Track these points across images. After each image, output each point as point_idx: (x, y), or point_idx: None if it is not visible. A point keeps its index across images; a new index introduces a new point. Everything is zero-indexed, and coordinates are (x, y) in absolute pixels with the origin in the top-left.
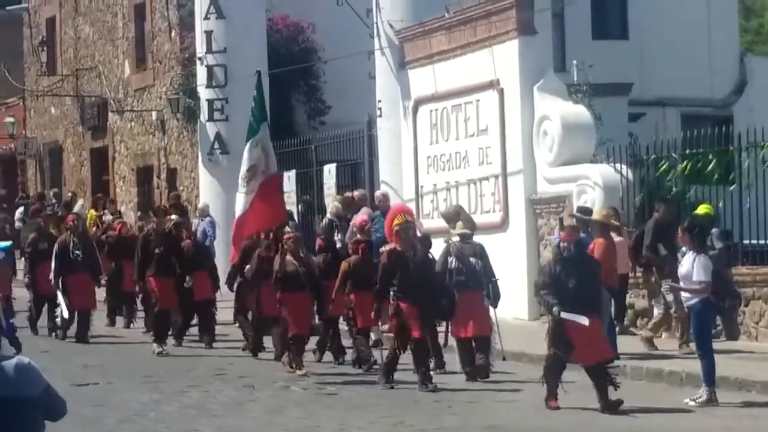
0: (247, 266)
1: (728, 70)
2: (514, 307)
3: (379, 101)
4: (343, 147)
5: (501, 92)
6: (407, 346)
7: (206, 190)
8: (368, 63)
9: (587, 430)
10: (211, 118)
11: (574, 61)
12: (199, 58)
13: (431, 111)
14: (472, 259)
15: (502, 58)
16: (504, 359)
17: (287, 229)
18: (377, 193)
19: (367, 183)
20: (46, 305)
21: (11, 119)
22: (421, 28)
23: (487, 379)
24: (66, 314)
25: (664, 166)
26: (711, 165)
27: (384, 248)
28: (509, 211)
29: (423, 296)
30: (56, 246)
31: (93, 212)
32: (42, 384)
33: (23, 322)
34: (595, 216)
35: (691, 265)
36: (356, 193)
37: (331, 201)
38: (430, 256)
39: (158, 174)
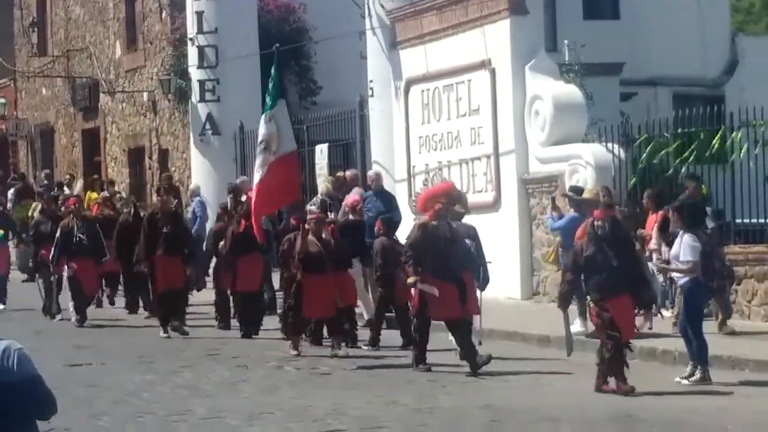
0: (221, 243)
1: (719, 49)
2: (507, 287)
3: (371, 81)
4: (334, 127)
5: (492, 72)
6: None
7: (198, 171)
8: (360, 43)
9: (583, 410)
10: (202, 99)
11: (566, 41)
12: (190, 39)
13: (423, 91)
14: (467, 241)
15: (494, 38)
16: (480, 343)
17: (311, 209)
18: (369, 173)
19: (359, 163)
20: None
21: (2, 100)
22: (413, 8)
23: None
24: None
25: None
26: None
27: (417, 221)
28: (501, 191)
29: (445, 274)
30: (59, 230)
31: (93, 194)
32: (28, 372)
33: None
34: (586, 195)
35: (679, 245)
36: (348, 173)
37: (323, 181)
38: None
39: (150, 155)
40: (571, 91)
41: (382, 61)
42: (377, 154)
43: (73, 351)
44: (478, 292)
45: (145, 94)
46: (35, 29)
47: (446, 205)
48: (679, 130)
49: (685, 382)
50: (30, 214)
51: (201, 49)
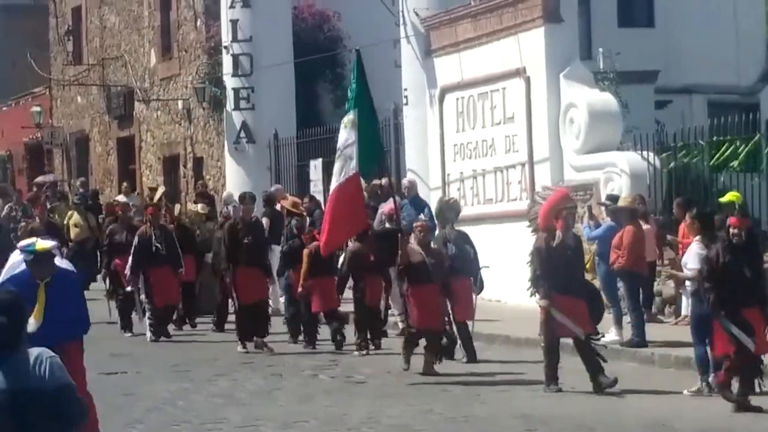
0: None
1: (755, 57)
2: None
3: (406, 89)
4: None
5: (527, 80)
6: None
7: (232, 179)
8: (394, 51)
9: (617, 417)
10: (237, 107)
11: (600, 49)
12: (225, 47)
13: (457, 99)
14: (467, 247)
15: (529, 46)
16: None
17: (420, 217)
18: (404, 181)
19: (393, 171)
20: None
21: (38, 108)
22: (447, 15)
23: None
24: (140, 317)
25: (691, 154)
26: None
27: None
28: (536, 200)
29: (573, 288)
30: (136, 239)
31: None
32: (60, 380)
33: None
34: (621, 203)
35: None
36: (384, 181)
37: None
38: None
39: (184, 163)
40: (606, 99)
41: (416, 69)
42: (412, 162)
43: (108, 359)
44: (474, 297)
45: (179, 103)
46: (70, 38)
47: (571, 209)
48: (714, 138)
49: (686, 393)
50: (66, 222)
51: (236, 58)
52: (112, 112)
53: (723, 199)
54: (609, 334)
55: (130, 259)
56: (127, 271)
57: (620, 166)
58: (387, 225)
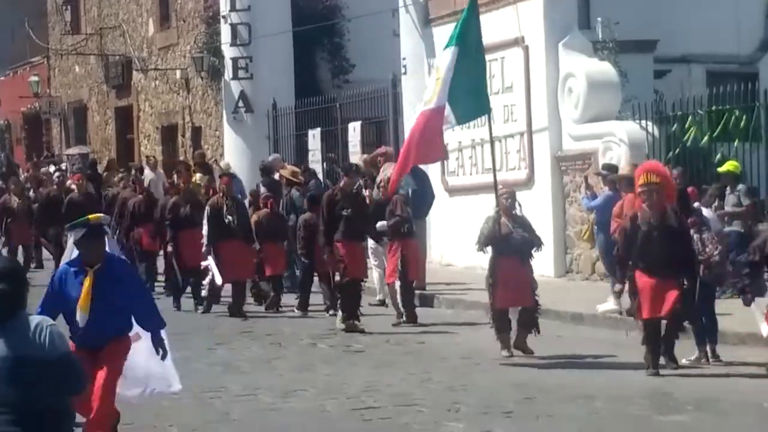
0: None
1: (754, 26)
2: (540, 265)
3: (404, 59)
4: (367, 105)
5: (526, 49)
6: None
7: (231, 149)
8: (392, 21)
9: (617, 386)
10: (235, 77)
11: (599, 18)
12: (223, 17)
13: None
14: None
15: (527, 16)
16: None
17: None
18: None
19: (392, 140)
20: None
21: (35, 78)
22: None
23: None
24: (219, 281)
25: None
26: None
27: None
28: (534, 169)
29: (665, 270)
30: (207, 209)
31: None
32: (60, 349)
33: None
34: (622, 172)
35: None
36: (380, 150)
37: (358, 159)
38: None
39: (183, 133)
40: (604, 68)
41: (415, 39)
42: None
43: None
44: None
45: (178, 72)
46: (68, 7)
47: (646, 188)
48: (713, 108)
49: (684, 361)
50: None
51: (234, 27)
52: (110, 81)
53: (721, 169)
54: (607, 302)
55: (205, 230)
56: (204, 242)
57: (619, 136)
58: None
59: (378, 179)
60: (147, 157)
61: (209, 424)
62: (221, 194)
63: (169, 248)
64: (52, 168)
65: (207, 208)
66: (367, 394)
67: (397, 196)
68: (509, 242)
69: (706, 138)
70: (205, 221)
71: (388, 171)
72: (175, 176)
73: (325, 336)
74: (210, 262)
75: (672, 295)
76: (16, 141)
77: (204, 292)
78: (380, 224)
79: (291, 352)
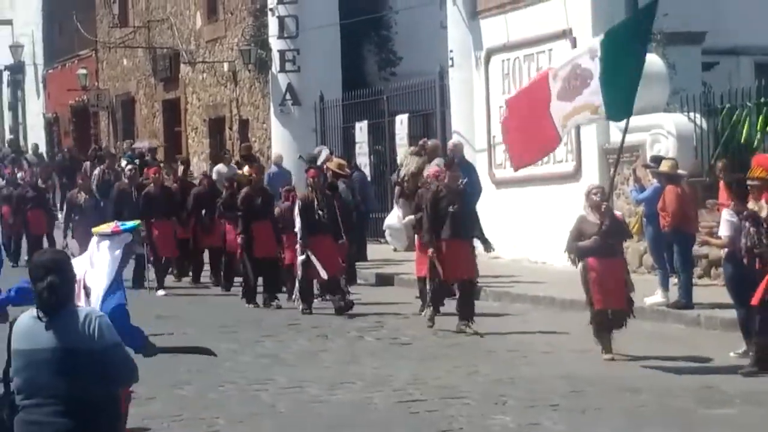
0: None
1: None
2: None
3: (451, 51)
4: (414, 97)
5: (573, 41)
6: None
7: (278, 141)
8: (440, 13)
9: (663, 380)
10: (282, 69)
11: None
12: (271, 9)
13: (503, 61)
14: None
15: (575, 7)
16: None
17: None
18: (449, 143)
19: (439, 133)
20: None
21: (84, 71)
22: None
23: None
24: (324, 275)
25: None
26: None
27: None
28: (582, 161)
29: None
30: (298, 203)
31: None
32: (109, 340)
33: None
34: (662, 167)
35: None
36: (429, 143)
37: (404, 151)
38: None
39: (230, 125)
40: (653, 60)
41: (462, 31)
42: (457, 124)
43: (154, 321)
44: None
45: (225, 65)
46: (116, 0)
47: (757, 184)
48: (762, 100)
49: (732, 354)
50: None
51: (281, 20)
52: (157, 74)
53: None
54: (655, 295)
55: (298, 226)
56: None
57: (667, 128)
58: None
59: (402, 173)
60: (224, 151)
61: (256, 417)
62: (310, 188)
63: (239, 240)
64: (123, 162)
65: (298, 202)
66: (414, 387)
67: (422, 190)
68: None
69: (758, 134)
70: (296, 216)
71: (412, 165)
72: (180, 167)
73: (372, 329)
74: (308, 257)
75: None
76: (64, 134)
77: (296, 293)
78: (408, 218)
79: (337, 344)
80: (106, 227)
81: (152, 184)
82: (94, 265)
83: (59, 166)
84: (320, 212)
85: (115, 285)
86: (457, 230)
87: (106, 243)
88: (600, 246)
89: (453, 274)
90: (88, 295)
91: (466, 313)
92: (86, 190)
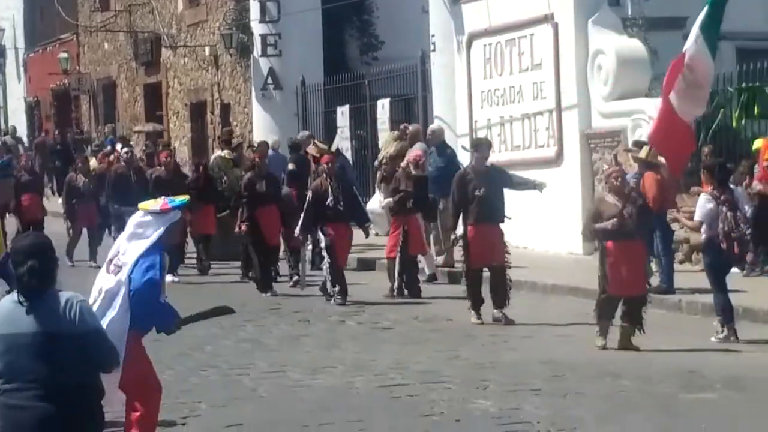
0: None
1: None
2: (569, 242)
3: (433, 36)
4: (396, 82)
5: (555, 26)
6: None
7: (259, 126)
8: None
9: (644, 364)
10: (264, 54)
11: None
12: None
13: (485, 45)
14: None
15: None
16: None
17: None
18: (430, 128)
19: (420, 118)
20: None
21: (65, 55)
22: None
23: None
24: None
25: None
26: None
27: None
28: (564, 146)
29: None
30: (310, 193)
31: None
32: (90, 324)
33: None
34: (641, 153)
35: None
36: (410, 127)
37: (386, 136)
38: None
39: (212, 109)
40: (634, 45)
41: (444, 16)
42: (439, 109)
43: None
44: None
45: (206, 49)
46: None
47: None
48: (743, 85)
49: (713, 339)
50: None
51: (263, 4)
52: (139, 58)
53: (754, 146)
54: None
55: (303, 215)
56: (297, 231)
57: (648, 113)
58: (413, 171)
59: (407, 158)
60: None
61: (237, 401)
62: (324, 176)
63: (243, 228)
64: (119, 146)
65: (310, 192)
66: (395, 371)
67: (399, 172)
68: (621, 225)
69: (734, 122)
70: (306, 206)
71: (391, 148)
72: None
73: (353, 313)
74: (332, 243)
75: None
76: (45, 118)
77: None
78: (386, 201)
79: (319, 329)
80: (155, 203)
81: (163, 168)
82: (131, 240)
83: (51, 149)
84: (334, 199)
85: (151, 259)
86: (485, 214)
87: (149, 219)
88: (619, 228)
89: (482, 260)
90: (116, 273)
91: (500, 301)
92: (85, 173)
